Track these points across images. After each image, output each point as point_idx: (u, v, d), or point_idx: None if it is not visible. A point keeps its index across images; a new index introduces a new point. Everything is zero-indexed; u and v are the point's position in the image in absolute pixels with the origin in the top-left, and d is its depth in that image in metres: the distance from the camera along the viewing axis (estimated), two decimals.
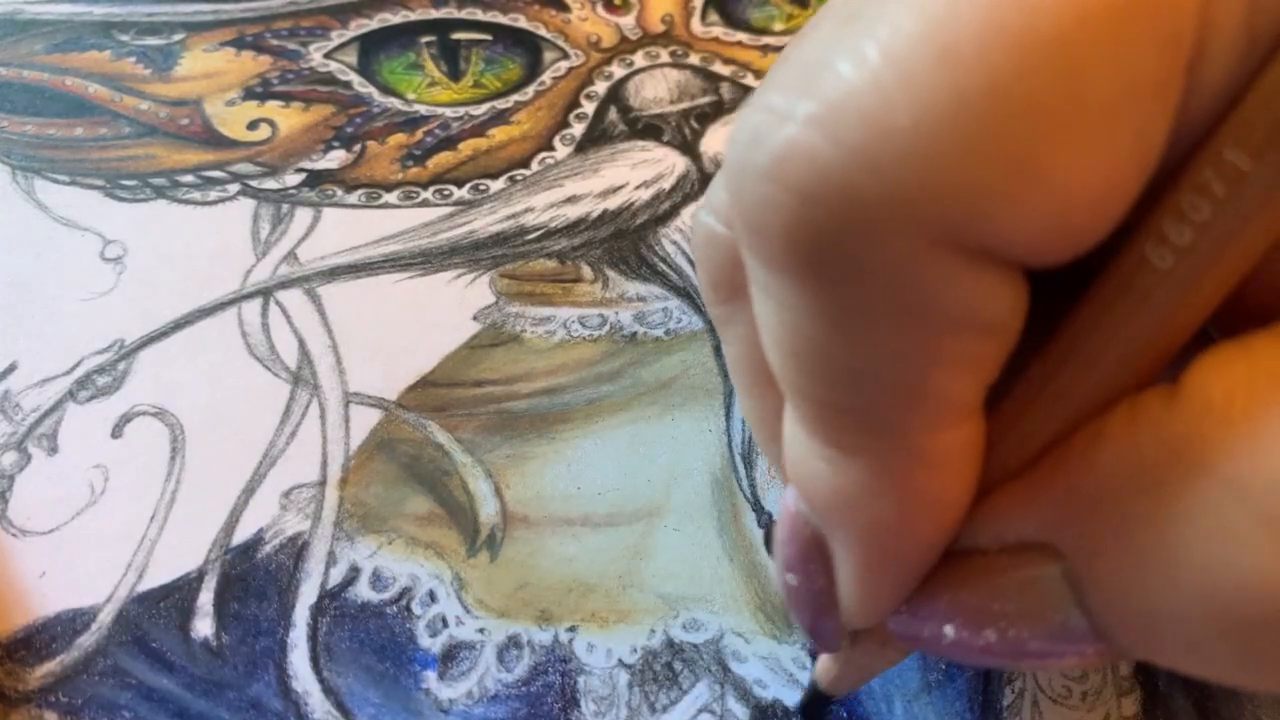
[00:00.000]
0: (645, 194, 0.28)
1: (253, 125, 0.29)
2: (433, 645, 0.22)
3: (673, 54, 0.31)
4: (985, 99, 0.10)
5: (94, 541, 0.23)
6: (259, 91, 0.30)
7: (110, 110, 0.29)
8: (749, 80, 0.30)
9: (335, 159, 0.29)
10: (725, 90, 0.30)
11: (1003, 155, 0.10)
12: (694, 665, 0.21)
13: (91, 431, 0.24)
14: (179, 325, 0.26)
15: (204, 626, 0.22)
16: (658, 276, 0.27)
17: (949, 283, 0.11)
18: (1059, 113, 0.10)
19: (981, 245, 0.10)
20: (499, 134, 0.29)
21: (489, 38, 0.31)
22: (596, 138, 0.29)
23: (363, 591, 0.22)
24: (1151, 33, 0.10)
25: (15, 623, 0.22)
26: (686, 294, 0.26)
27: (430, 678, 0.21)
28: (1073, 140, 0.10)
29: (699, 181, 0.28)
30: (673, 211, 0.28)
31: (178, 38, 0.31)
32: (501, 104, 0.30)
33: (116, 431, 0.24)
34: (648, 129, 0.29)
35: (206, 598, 0.22)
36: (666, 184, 0.28)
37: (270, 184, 0.28)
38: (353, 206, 0.28)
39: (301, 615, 0.22)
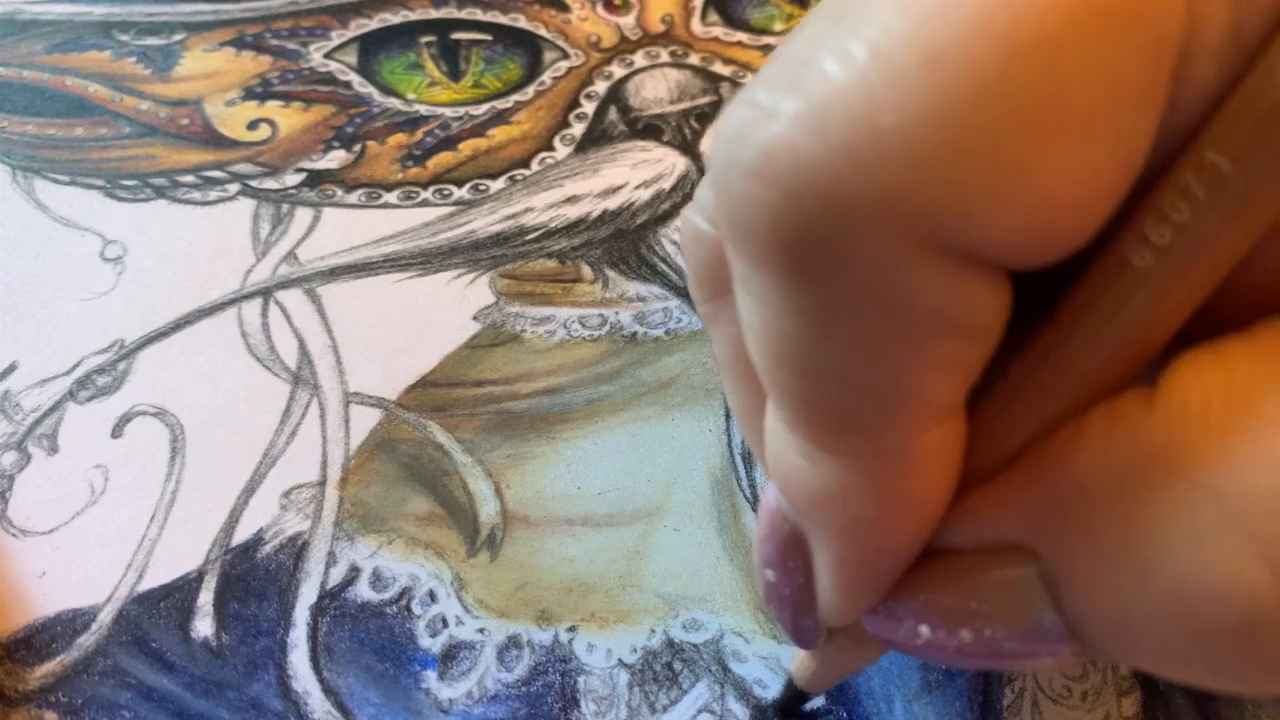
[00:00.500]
0: (645, 194, 0.28)
1: (253, 125, 0.29)
2: (433, 645, 0.22)
3: (673, 54, 0.31)
4: (970, 101, 0.10)
5: (94, 541, 0.23)
6: (259, 91, 0.30)
7: (110, 110, 0.29)
8: (749, 80, 0.30)
9: (335, 159, 0.29)
10: (725, 90, 0.30)
11: (986, 157, 0.10)
12: (694, 665, 0.21)
13: (91, 431, 0.24)
14: (179, 325, 0.26)
15: (204, 626, 0.22)
16: (658, 276, 0.27)
17: (931, 283, 0.11)
18: (1043, 116, 0.10)
19: (964, 247, 0.10)
20: (499, 134, 0.29)
21: (489, 38, 0.31)
22: (596, 138, 0.29)
23: (363, 591, 0.22)
24: (1136, 37, 0.10)
25: (15, 623, 0.22)
26: (686, 294, 0.26)
27: (430, 678, 0.21)
28: (1056, 142, 0.10)
29: (699, 181, 0.28)
30: (673, 211, 0.28)
31: (178, 38, 0.31)
32: (501, 104, 0.30)
33: (116, 431, 0.24)
34: (648, 129, 0.29)
35: (206, 598, 0.22)
36: (666, 184, 0.28)
37: (270, 184, 0.28)
38: (353, 206, 0.28)
39: (301, 615, 0.22)
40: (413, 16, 0.31)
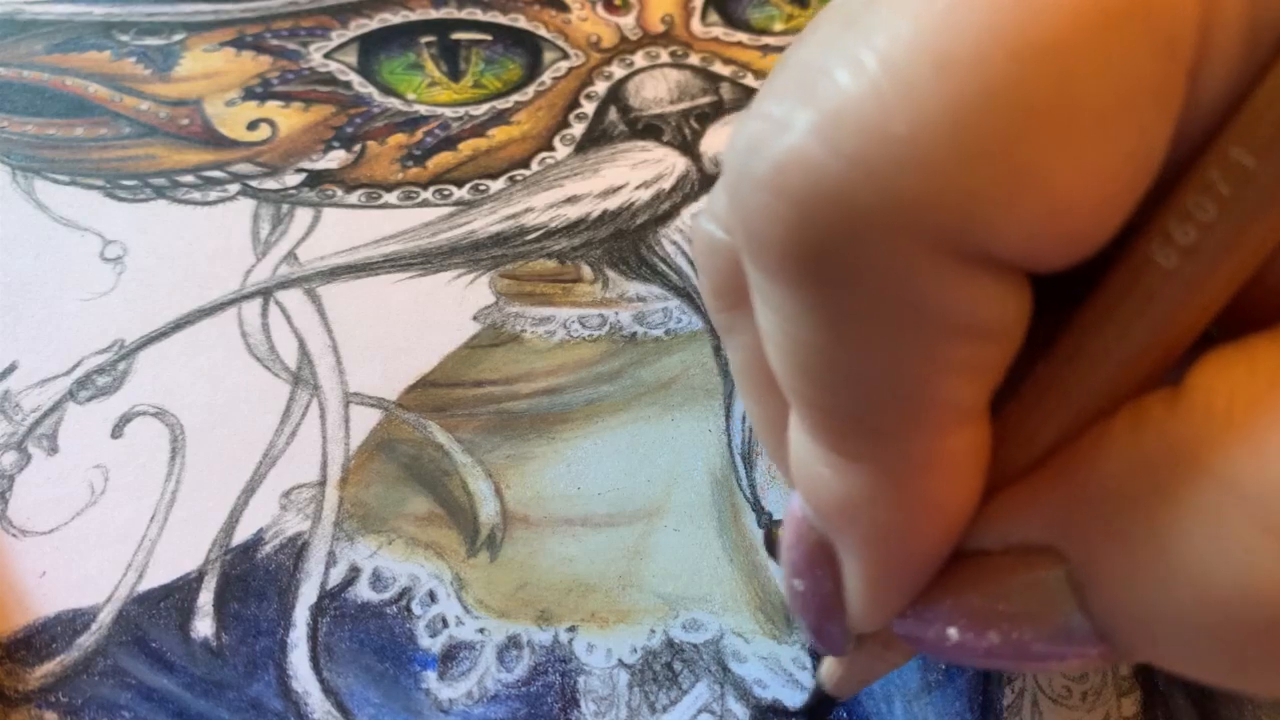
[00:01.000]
0: (645, 194, 0.28)
1: (253, 125, 0.29)
2: (433, 645, 0.22)
3: (673, 54, 0.31)
4: (983, 106, 0.10)
5: (94, 541, 0.23)
6: (259, 91, 0.30)
7: (110, 110, 0.29)
8: (749, 80, 0.30)
9: (335, 159, 0.29)
10: (725, 90, 0.30)
11: (1002, 162, 0.10)
12: (694, 665, 0.21)
13: (91, 431, 0.24)
14: (179, 325, 0.26)
15: (204, 626, 0.22)
16: (658, 276, 0.27)
17: (950, 289, 0.11)
18: (1057, 119, 0.10)
19: (982, 251, 0.10)
20: (499, 134, 0.29)
21: (489, 38, 0.31)
22: (596, 138, 0.29)
23: (363, 591, 0.22)
24: (1150, 38, 0.10)
25: (15, 623, 0.22)
26: (686, 294, 0.26)
27: (430, 678, 0.21)
28: (1072, 145, 0.10)
29: (699, 182, 0.28)
30: (673, 212, 0.28)
31: (178, 38, 0.31)
32: (501, 104, 0.30)
33: (116, 431, 0.24)
34: (648, 129, 0.29)
35: (206, 598, 0.22)
36: (666, 184, 0.28)
37: (270, 184, 0.28)
38: (353, 206, 0.28)
39: (301, 615, 0.22)
40: (413, 16, 0.31)
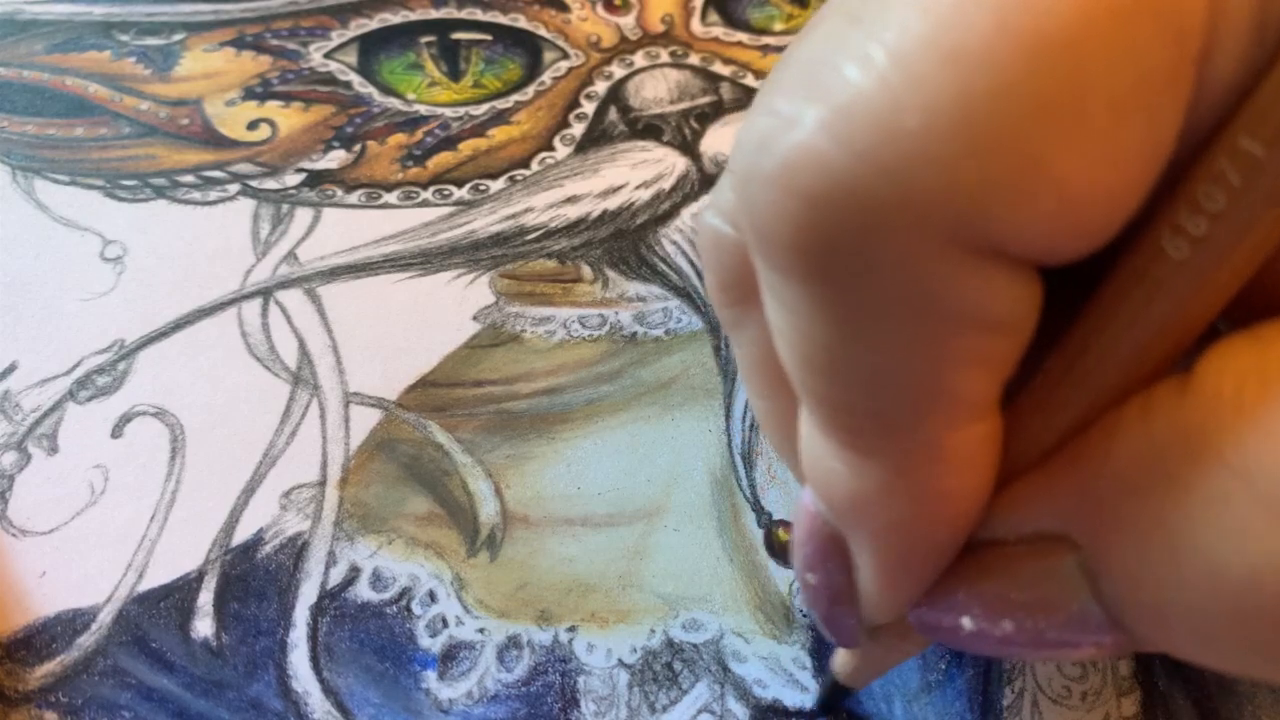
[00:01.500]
0: (645, 194, 0.28)
1: (253, 125, 0.29)
2: (433, 645, 0.22)
3: (673, 54, 0.31)
4: (994, 99, 0.10)
5: (94, 541, 0.23)
6: (259, 91, 0.30)
7: (110, 110, 0.29)
8: (749, 80, 0.30)
9: (335, 159, 0.29)
10: (725, 90, 0.30)
11: (1014, 155, 0.10)
12: (694, 665, 0.21)
13: (91, 431, 0.24)
14: (179, 325, 0.26)
15: (204, 626, 0.22)
16: (658, 276, 0.27)
17: (962, 283, 0.11)
18: (1068, 111, 0.10)
19: (994, 245, 0.10)
20: (499, 134, 0.29)
21: (489, 38, 0.31)
22: (596, 138, 0.29)
23: (363, 591, 0.22)
24: (1159, 29, 0.10)
25: (15, 623, 0.22)
26: (686, 294, 0.26)
27: (430, 678, 0.21)
28: (1082, 138, 0.10)
29: (699, 181, 0.28)
30: (673, 211, 0.28)
31: (178, 38, 0.31)
32: (501, 104, 0.30)
33: (116, 431, 0.24)
34: (648, 129, 0.29)
35: (206, 598, 0.22)
36: (666, 184, 0.28)
37: (270, 184, 0.28)
38: (353, 206, 0.28)
39: (301, 615, 0.22)
40: (413, 16, 0.31)
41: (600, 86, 0.30)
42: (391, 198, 0.28)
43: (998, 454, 0.13)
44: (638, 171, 0.28)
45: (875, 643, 0.17)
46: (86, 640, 0.22)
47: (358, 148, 0.29)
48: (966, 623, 0.13)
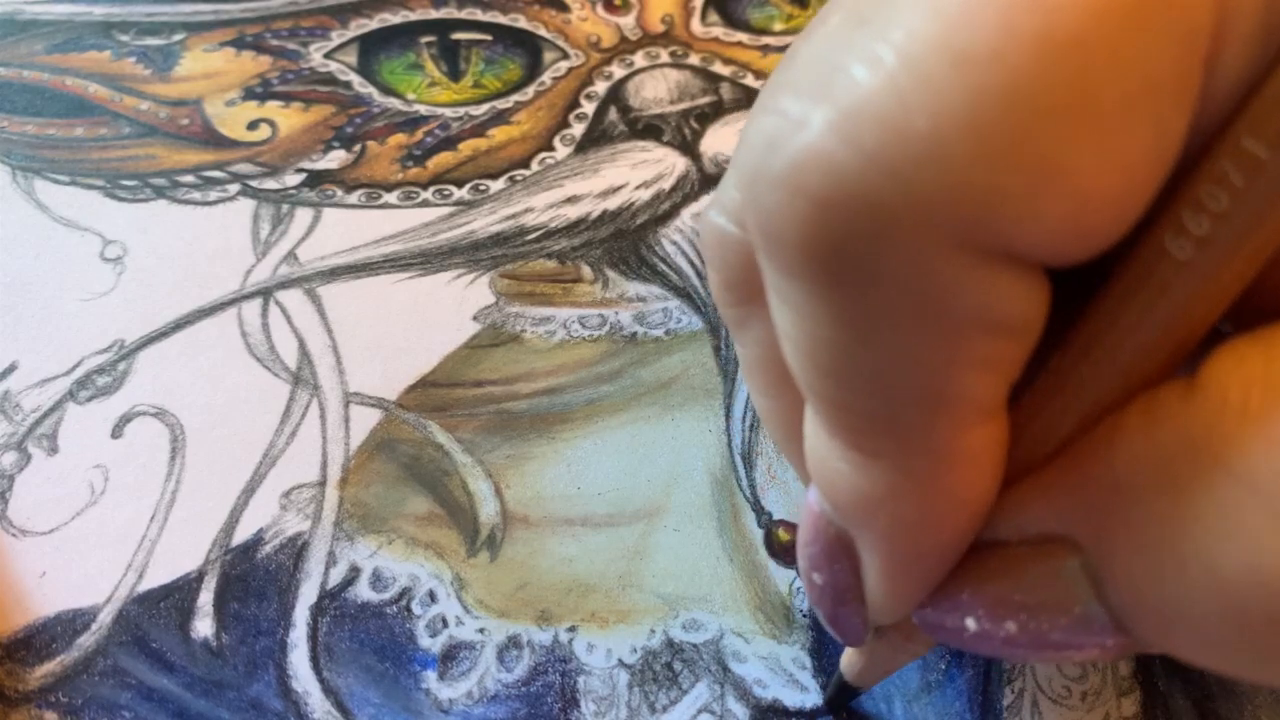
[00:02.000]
0: (645, 194, 0.28)
1: (253, 125, 0.29)
2: (433, 645, 0.22)
3: (673, 54, 0.31)
4: (1003, 101, 0.10)
5: (94, 541, 0.23)
6: (259, 91, 0.30)
7: (110, 110, 0.29)
8: (749, 80, 0.30)
9: (335, 159, 0.29)
10: (725, 90, 0.30)
11: (1022, 156, 0.10)
12: (694, 665, 0.21)
13: (91, 431, 0.24)
14: (179, 325, 0.26)
15: (204, 626, 0.22)
16: (658, 277, 0.27)
17: (970, 285, 0.11)
18: (1077, 112, 0.10)
19: (1002, 246, 0.10)
20: (499, 134, 0.29)
21: (489, 38, 0.31)
22: (596, 138, 0.29)
23: (363, 591, 0.22)
24: (1168, 29, 0.10)
25: (15, 623, 0.22)
26: (686, 294, 0.26)
27: (430, 678, 0.21)
28: (1091, 139, 0.10)
29: (699, 181, 0.28)
30: (673, 212, 0.28)
31: (178, 38, 0.31)
32: (501, 104, 0.30)
33: (116, 431, 0.24)
34: (648, 129, 0.29)
35: (206, 598, 0.22)
36: (666, 184, 0.28)
37: (270, 184, 0.28)
38: (353, 206, 0.28)
39: (301, 615, 0.22)
40: (413, 16, 0.31)
41: (600, 86, 0.30)
42: (391, 198, 0.28)
43: (1003, 456, 0.13)
44: (638, 171, 0.28)
45: (881, 642, 0.17)
46: (86, 640, 0.22)
47: (358, 148, 0.29)
48: (970, 624, 0.13)
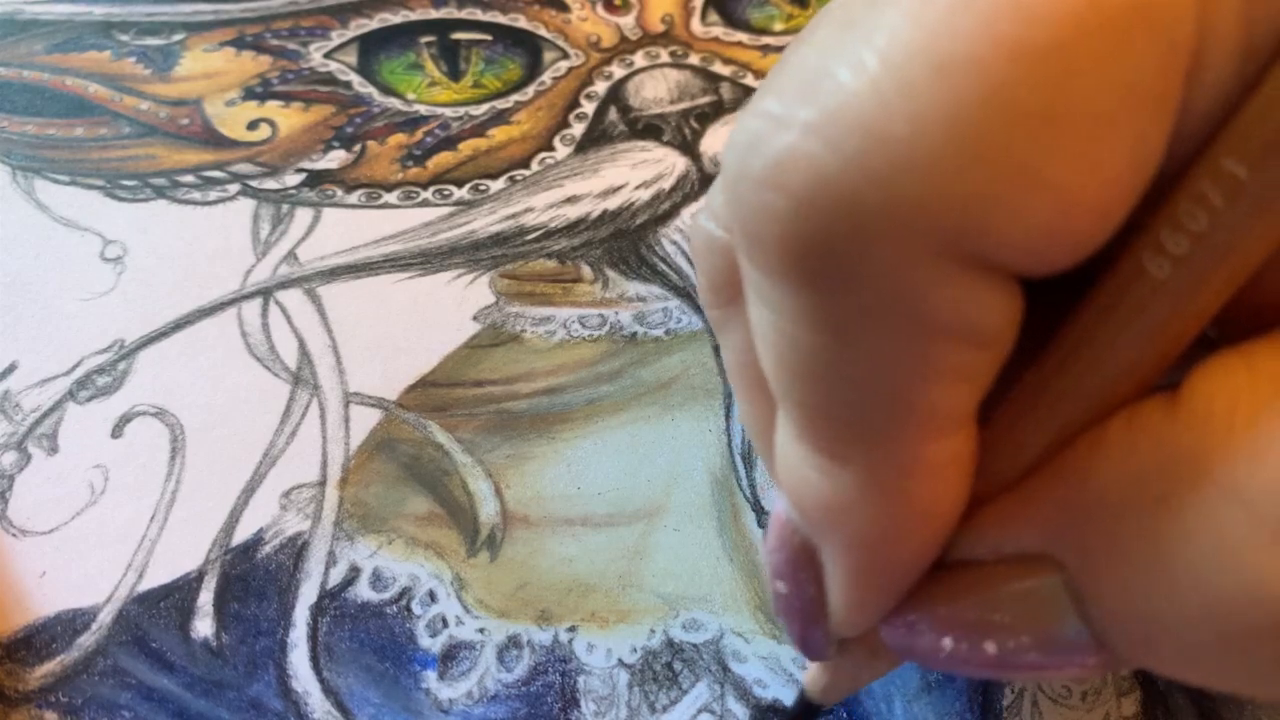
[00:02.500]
0: (645, 194, 0.28)
1: (253, 125, 0.29)
2: (433, 645, 0.22)
3: (672, 54, 0.31)
4: (983, 108, 0.10)
5: (94, 541, 0.23)
6: (259, 91, 0.30)
7: (110, 110, 0.29)
8: (749, 80, 0.30)
9: (335, 159, 0.29)
10: (725, 90, 0.30)
11: (1001, 163, 0.10)
12: (694, 665, 0.21)
13: (91, 431, 0.24)
14: (179, 325, 0.26)
15: (204, 626, 0.22)
16: (658, 276, 0.27)
17: (945, 292, 0.11)
18: (1057, 121, 0.10)
19: (979, 254, 0.10)
20: (499, 134, 0.29)
21: (489, 38, 0.31)
22: (596, 138, 0.29)
23: (363, 591, 0.22)
24: (1149, 41, 0.10)
25: (15, 623, 0.22)
26: (686, 294, 0.26)
27: (430, 678, 0.21)
28: (1071, 148, 0.10)
29: (699, 181, 0.28)
30: (673, 211, 0.28)
31: (178, 38, 0.31)
32: (501, 104, 0.30)
33: (116, 431, 0.24)
34: (648, 129, 0.29)
35: (206, 598, 0.22)
36: (666, 184, 0.28)
37: (270, 184, 0.28)
38: (353, 206, 0.28)
39: (301, 615, 0.22)
40: (413, 16, 0.31)
41: (600, 86, 0.30)
42: (391, 198, 0.28)
43: (972, 469, 0.13)
44: (638, 171, 0.28)
45: (846, 658, 0.16)
46: (86, 640, 0.22)
47: (358, 148, 0.29)
48: (946, 644, 0.13)
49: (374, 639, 0.22)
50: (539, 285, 0.26)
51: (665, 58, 0.31)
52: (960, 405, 0.12)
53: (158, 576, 0.22)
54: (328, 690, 0.21)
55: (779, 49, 0.31)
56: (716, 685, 0.21)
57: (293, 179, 0.28)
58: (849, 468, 0.12)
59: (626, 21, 0.31)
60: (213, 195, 0.28)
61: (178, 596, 0.22)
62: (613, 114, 0.29)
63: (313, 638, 0.22)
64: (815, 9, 0.32)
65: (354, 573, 0.22)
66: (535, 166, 0.28)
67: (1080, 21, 0.09)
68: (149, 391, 0.25)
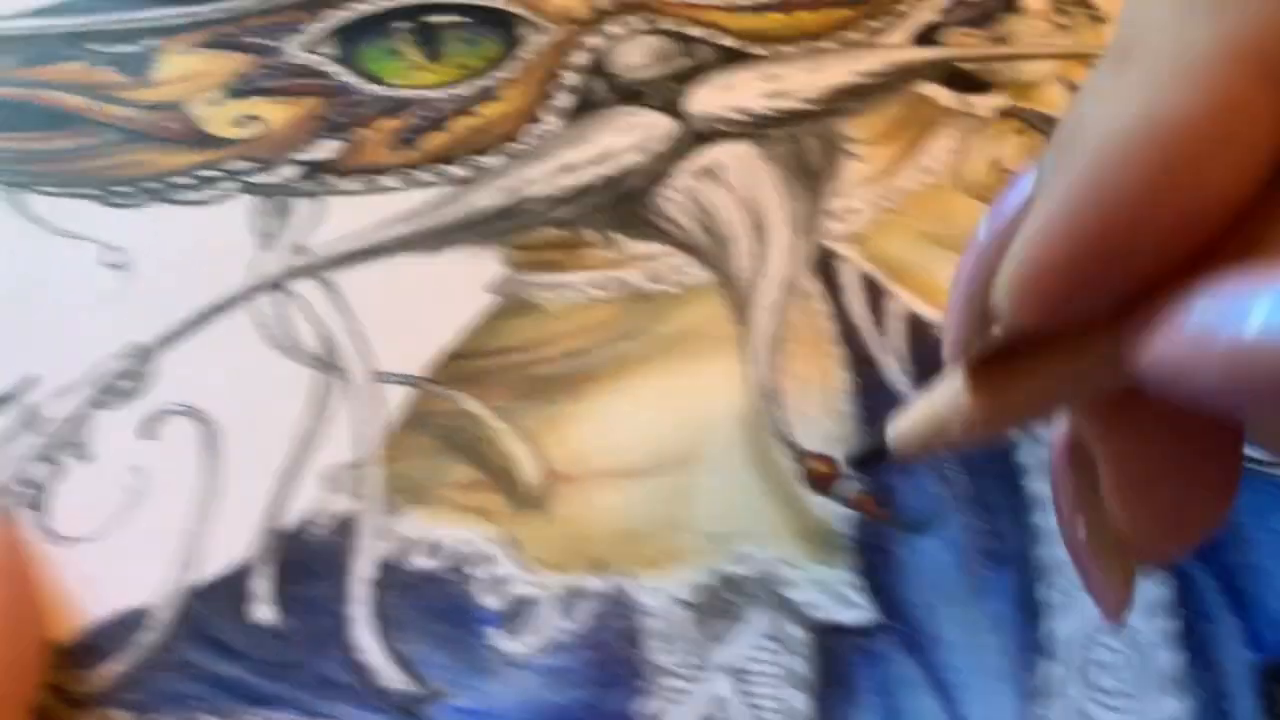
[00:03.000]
0: (637, 156, 0.28)
1: (240, 122, 0.29)
2: (494, 604, 0.22)
3: (647, 20, 0.31)
4: None
5: (140, 541, 0.23)
6: (242, 89, 0.30)
7: (90, 119, 0.29)
8: (725, 41, 0.31)
9: (328, 148, 0.29)
10: (701, 51, 0.31)
11: None
12: (749, 596, 0.22)
13: (122, 435, 0.24)
14: (196, 323, 0.26)
15: (264, 611, 0.22)
16: (661, 234, 0.27)
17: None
18: None
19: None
20: (487, 110, 0.29)
21: (466, 19, 0.31)
22: (583, 107, 0.29)
23: (418, 561, 0.23)
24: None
25: (71, 627, 0.22)
26: (690, 248, 0.27)
27: (495, 635, 0.22)
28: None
29: (686, 138, 0.29)
30: (666, 170, 0.28)
31: (151, 43, 0.30)
32: (485, 82, 0.30)
33: (147, 432, 0.24)
34: (631, 94, 0.30)
35: (262, 583, 0.22)
36: (656, 145, 0.29)
37: (266, 178, 0.28)
38: (352, 193, 0.28)
39: (360, 590, 0.22)
40: (387, 3, 0.31)
41: (581, 57, 0.30)
42: (389, 181, 0.28)
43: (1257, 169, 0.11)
44: (627, 136, 0.29)
45: (936, 401, 0.14)
46: (146, 638, 0.22)
47: (349, 135, 0.29)
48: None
49: (435, 605, 0.22)
50: (549, 253, 0.27)
51: (641, 25, 0.31)
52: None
53: (209, 569, 0.23)
54: (395, 658, 0.22)
55: (749, 9, 0.32)
56: (772, 611, 0.22)
57: (289, 171, 0.28)
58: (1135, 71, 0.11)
59: None
60: (210, 193, 0.28)
61: (233, 585, 0.22)
62: (596, 83, 0.30)
63: (373, 610, 0.22)
64: None
65: (406, 544, 0.23)
66: (527, 139, 0.29)
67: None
68: (175, 391, 0.25)
